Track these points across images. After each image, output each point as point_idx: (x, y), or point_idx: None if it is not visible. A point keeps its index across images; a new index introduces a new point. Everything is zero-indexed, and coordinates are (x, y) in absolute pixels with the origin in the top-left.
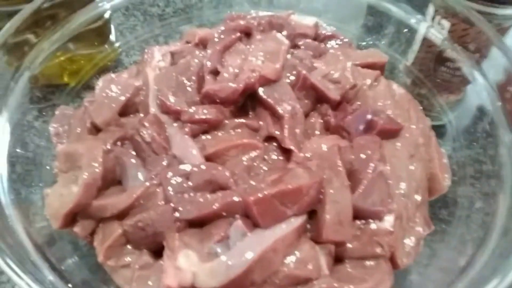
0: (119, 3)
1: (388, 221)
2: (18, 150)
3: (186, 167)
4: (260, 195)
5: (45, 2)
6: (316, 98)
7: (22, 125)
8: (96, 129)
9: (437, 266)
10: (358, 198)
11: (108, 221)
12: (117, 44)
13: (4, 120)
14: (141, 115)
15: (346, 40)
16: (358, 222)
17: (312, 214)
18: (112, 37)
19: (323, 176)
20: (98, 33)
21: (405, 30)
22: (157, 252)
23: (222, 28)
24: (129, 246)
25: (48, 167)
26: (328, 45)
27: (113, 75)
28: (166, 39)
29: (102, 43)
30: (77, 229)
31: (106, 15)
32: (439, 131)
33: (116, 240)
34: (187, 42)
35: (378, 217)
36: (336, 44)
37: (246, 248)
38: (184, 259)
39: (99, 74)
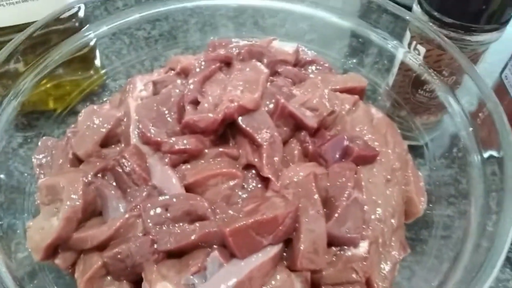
0: (105, 31)
1: (363, 247)
2: (2, 177)
3: (165, 198)
4: (236, 225)
5: (35, 32)
6: (295, 125)
7: (7, 152)
8: (78, 160)
9: (416, 286)
10: (333, 226)
11: (88, 252)
12: (103, 70)
13: None
14: (123, 145)
15: (326, 65)
16: (333, 248)
17: (288, 242)
18: (98, 62)
19: (299, 205)
20: (84, 60)
21: (385, 54)
22: (137, 282)
23: (202, 58)
24: (109, 278)
25: (33, 196)
26: (309, 70)
27: (95, 107)
28: (151, 63)
29: (87, 69)
30: (58, 261)
31: (92, 43)
32: (418, 151)
33: (96, 272)
34: (171, 69)
35: (353, 243)
36: (316, 69)
37: (222, 279)
38: None
39: (85, 99)
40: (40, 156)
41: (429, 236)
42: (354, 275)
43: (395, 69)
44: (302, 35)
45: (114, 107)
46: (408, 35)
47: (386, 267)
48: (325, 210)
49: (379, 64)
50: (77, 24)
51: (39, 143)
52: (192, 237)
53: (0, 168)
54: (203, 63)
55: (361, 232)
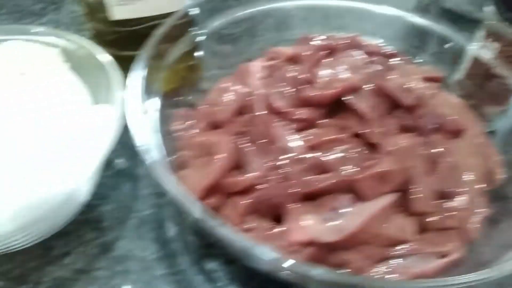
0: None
1: (461, 200)
2: None
3: (296, 154)
4: (362, 175)
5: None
6: (392, 103)
7: None
8: (215, 126)
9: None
10: (437, 181)
11: (235, 195)
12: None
13: None
14: (250, 115)
15: (406, 58)
16: (439, 200)
17: (403, 191)
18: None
19: (408, 163)
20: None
21: (454, 48)
22: (277, 219)
23: (309, 47)
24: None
25: None
26: (392, 63)
27: (223, 85)
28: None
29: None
30: (211, 201)
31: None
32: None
33: (245, 210)
34: (272, 59)
35: (453, 197)
36: (399, 61)
37: (355, 215)
38: (307, 221)
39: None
40: (178, 123)
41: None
42: (455, 223)
43: (466, 63)
44: (371, 33)
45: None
46: (481, 30)
47: (475, 220)
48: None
49: (448, 57)
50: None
51: (175, 113)
52: (326, 183)
53: None
54: (311, 50)
55: (459, 188)
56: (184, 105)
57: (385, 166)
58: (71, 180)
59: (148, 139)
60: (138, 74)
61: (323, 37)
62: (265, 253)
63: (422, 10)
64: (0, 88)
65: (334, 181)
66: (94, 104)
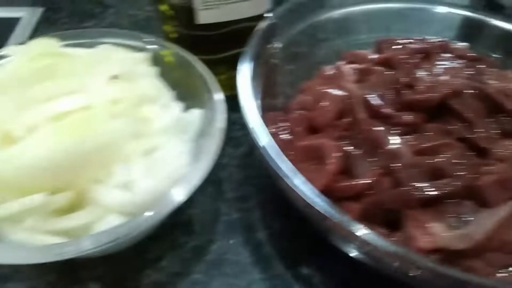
0: None
1: None
2: None
3: (408, 159)
4: (487, 181)
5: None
6: (493, 107)
7: None
8: (314, 131)
9: None
10: None
11: (345, 200)
12: None
13: None
14: (349, 119)
15: (492, 61)
16: None
17: None
18: None
19: None
20: None
21: None
22: (389, 226)
23: (405, 50)
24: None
25: None
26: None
27: (319, 88)
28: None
29: None
30: None
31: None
32: None
33: (357, 216)
34: (351, 62)
35: None
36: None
37: (482, 221)
38: (434, 228)
39: None
40: (273, 127)
41: None
42: None
43: None
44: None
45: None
46: None
47: None
48: None
49: None
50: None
51: (267, 117)
52: (448, 189)
53: None
54: (407, 54)
55: None
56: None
57: (507, 171)
58: (182, 187)
59: (266, 140)
60: (246, 75)
61: (405, 40)
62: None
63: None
64: (94, 90)
65: (457, 186)
66: (185, 108)
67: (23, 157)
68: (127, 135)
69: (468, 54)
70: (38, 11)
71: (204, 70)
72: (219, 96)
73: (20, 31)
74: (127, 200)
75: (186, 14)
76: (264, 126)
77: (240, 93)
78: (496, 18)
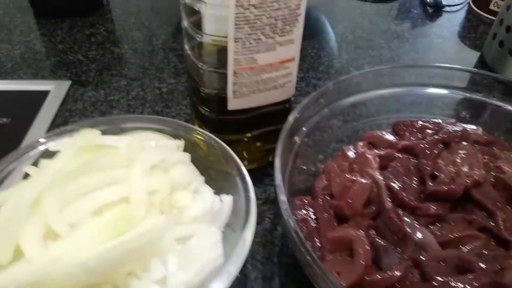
0: None
1: None
2: None
3: (437, 251)
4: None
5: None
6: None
7: None
8: (340, 219)
9: None
10: None
11: None
12: None
13: None
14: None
15: (505, 144)
16: None
17: None
18: None
19: None
20: None
21: None
22: None
23: (427, 140)
24: None
25: None
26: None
27: (346, 175)
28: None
29: None
30: None
31: None
32: None
33: None
34: (370, 143)
35: None
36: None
37: None
38: None
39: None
40: (302, 212)
41: None
42: None
43: None
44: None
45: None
46: None
47: None
48: None
49: None
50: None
51: (295, 202)
52: (475, 285)
53: None
54: (428, 143)
55: None
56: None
57: None
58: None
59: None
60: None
61: (420, 123)
62: None
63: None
64: (133, 182)
65: (484, 282)
66: (215, 191)
67: (67, 258)
68: (164, 230)
69: (482, 138)
70: (66, 85)
71: (232, 153)
72: (249, 181)
73: (49, 104)
74: None
75: (218, 101)
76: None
77: (276, 186)
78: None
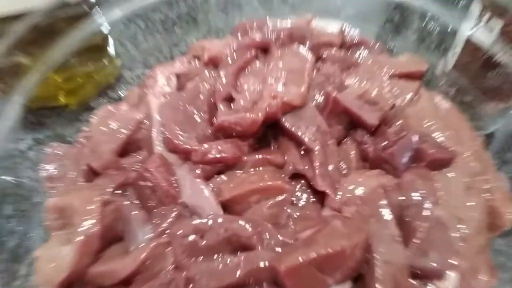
0: (118, 15)
1: (451, 279)
2: (10, 185)
3: (199, 222)
4: (293, 262)
5: (38, 20)
6: (350, 123)
7: (14, 155)
8: (93, 173)
9: None
10: (413, 255)
11: None
12: (118, 59)
13: None
14: (145, 153)
15: (376, 46)
16: (415, 283)
17: (358, 278)
18: (112, 50)
19: (368, 230)
20: (96, 49)
21: (442, 29)
22: None
23: (234, 44)
24: None
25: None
26: (356, 54)
27: (110, 108)
28: (171, 49)
29: (100, 59)
30: None
31: (104, 29)
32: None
33: None
34: (195, 57)
35: (439, 275)
36: (366, 52)
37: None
38: None
39: (99, 93)
40: (50, 167)
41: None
42: None
43: (458, 48)
44: (336, 12)
45: (132, 107)
46: (477, 6)
47: None
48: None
49: (433, 41)
50: (87, 8)
51: (48, 150)
52: (237, 274)
53: (6, 174)
54: (236, 50)
55: (448, 260)
56: None
57: (330, 242)
58: None
59: None
60: None
61: (268, 24)
62: None
63: None
64: None
65: (250, 269)
66: None
67: None
68: None
69: (335, 41)
70: None
71: None
72: None
73: None
74: None
75: None
76: None
77: None
78: None
